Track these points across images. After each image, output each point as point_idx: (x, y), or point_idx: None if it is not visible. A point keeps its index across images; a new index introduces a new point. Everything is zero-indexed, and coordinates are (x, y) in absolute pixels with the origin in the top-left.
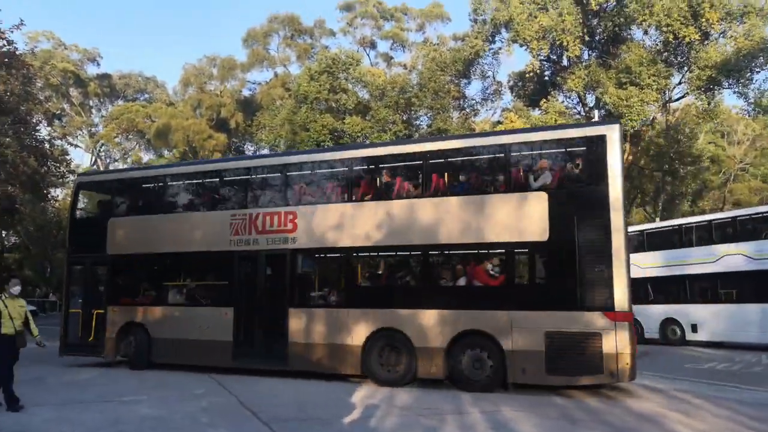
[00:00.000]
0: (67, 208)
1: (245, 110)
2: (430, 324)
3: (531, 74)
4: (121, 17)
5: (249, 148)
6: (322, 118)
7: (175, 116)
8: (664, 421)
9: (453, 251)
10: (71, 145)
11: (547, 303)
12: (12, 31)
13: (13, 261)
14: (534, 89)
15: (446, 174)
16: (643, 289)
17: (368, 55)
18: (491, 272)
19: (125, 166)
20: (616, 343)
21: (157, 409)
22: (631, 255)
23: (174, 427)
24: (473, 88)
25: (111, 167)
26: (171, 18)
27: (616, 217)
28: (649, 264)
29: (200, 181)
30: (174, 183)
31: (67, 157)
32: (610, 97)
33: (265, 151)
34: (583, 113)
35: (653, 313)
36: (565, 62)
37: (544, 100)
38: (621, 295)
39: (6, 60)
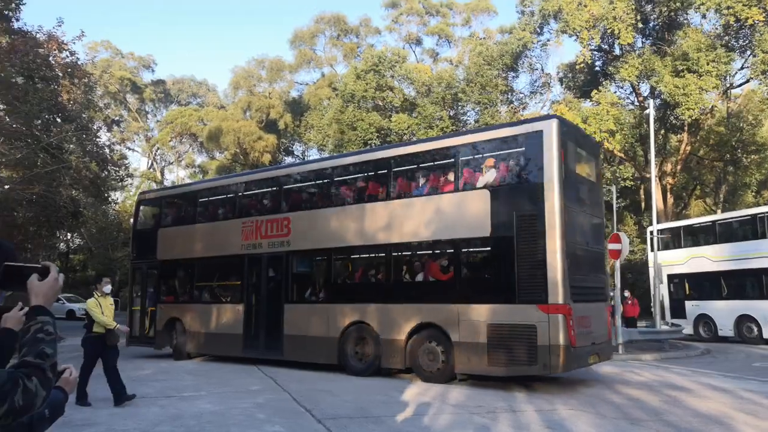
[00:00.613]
0: (126, 210)
1: (293, 111)
2: (393, 318)
3: (581, 65)
4: (172, 23)
5: (298, 149)
6: (369, 117)
7: (226, 119)
8: (731, 423)
9: (409, 250)
10: (129, 149)
11: (489, 296)
12: (74, 42)
13: (78, 262)
14: (585, 80)
15: (404, 178)
16: (715, 284)
17: (414, 51)
18: (443, 268)
19: (174, 184)
20: (549, 335)
21: (216, 404)
22: (701, 248)
23: (232, 423)
24: (521, 81)
25: (166, 170)
26: (219, 24)
27: (551, 212)
28: (722, 257)
29: (216, 195)
30: (199, 197)
31: (126, 161)
32: (665, 86)
33: (314, 151)
34: (636, 103)
35: (727, 310)
36: (617, 51)
37: (596, 90)
38: (554, 289)
39: (69, 70)
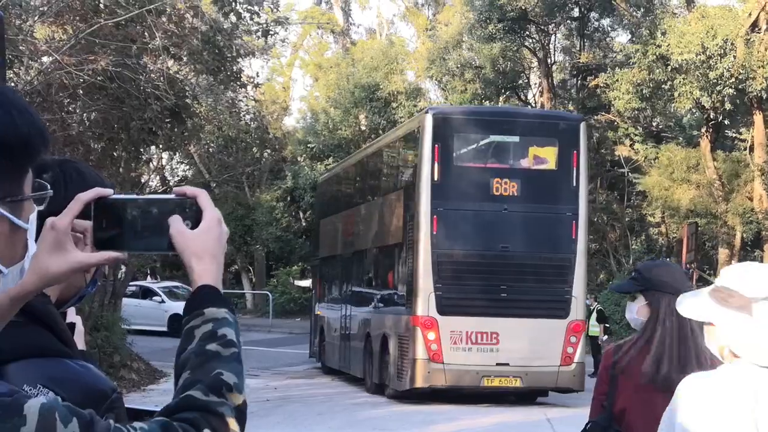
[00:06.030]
0: (277, 98)
1: None
2: None
3: None
4: None
5: None
6: None
7: None
8: None
9: None
10: None
11: (393, 306)
12: None
13: None
14: None
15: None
16: None
17: None
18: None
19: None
20: (412, 348)
21: None
22: None
23: None
24: None
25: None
26: None
27: (419, 216)
28: None
29: None
30: None
31: None
32: None
33: None
34: None
35: None
36: None
37: None
38: (415, 299)
39: None
